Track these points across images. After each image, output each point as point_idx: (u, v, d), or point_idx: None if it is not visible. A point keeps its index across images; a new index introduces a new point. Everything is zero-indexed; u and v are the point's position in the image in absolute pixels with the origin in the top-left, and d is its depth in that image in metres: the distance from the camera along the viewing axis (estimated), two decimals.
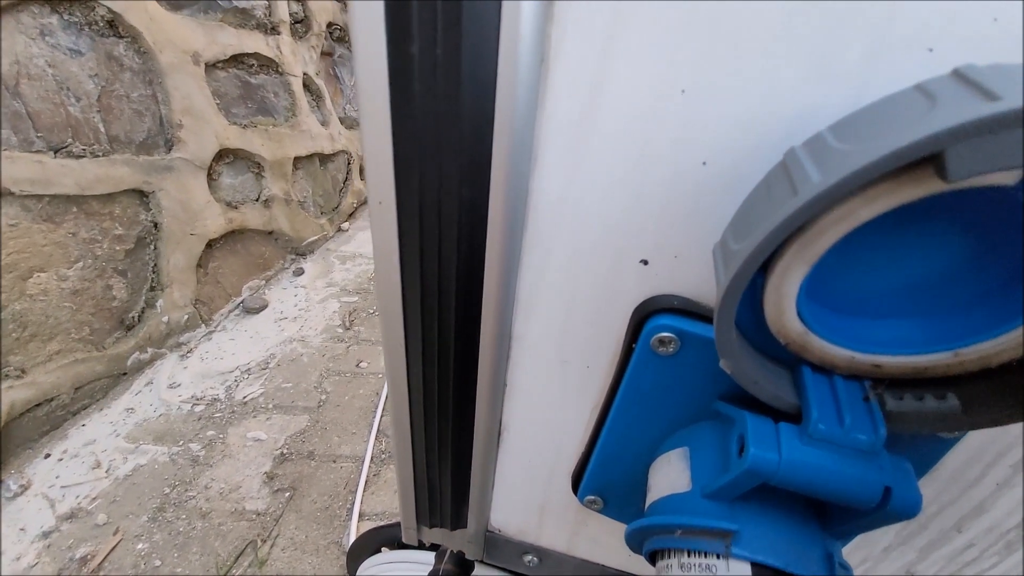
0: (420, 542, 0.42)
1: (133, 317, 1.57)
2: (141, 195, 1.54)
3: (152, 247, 1.60)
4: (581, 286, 0.24)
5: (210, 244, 1.80)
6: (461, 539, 0.39)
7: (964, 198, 0.14)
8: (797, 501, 0.20)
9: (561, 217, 0.22)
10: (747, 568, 0.18)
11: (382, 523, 0.60)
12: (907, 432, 0.18)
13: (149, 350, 1.62)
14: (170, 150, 1.60)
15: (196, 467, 1.32)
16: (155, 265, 1.61)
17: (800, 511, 0.19)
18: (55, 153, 1.30)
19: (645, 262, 0.22)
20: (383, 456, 1.38)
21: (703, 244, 0.21)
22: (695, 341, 0.22)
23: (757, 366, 0.19)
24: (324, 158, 2.53)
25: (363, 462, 1.34)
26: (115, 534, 1.15)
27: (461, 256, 0.23)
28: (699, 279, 0.22)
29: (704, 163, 0.19)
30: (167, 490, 1.26)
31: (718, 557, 0.18)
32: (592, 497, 0.30)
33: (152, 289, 1.62)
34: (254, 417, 1.49)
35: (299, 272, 2.30)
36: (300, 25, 2.30)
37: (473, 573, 0.43)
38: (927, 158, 0.12)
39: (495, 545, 0.40)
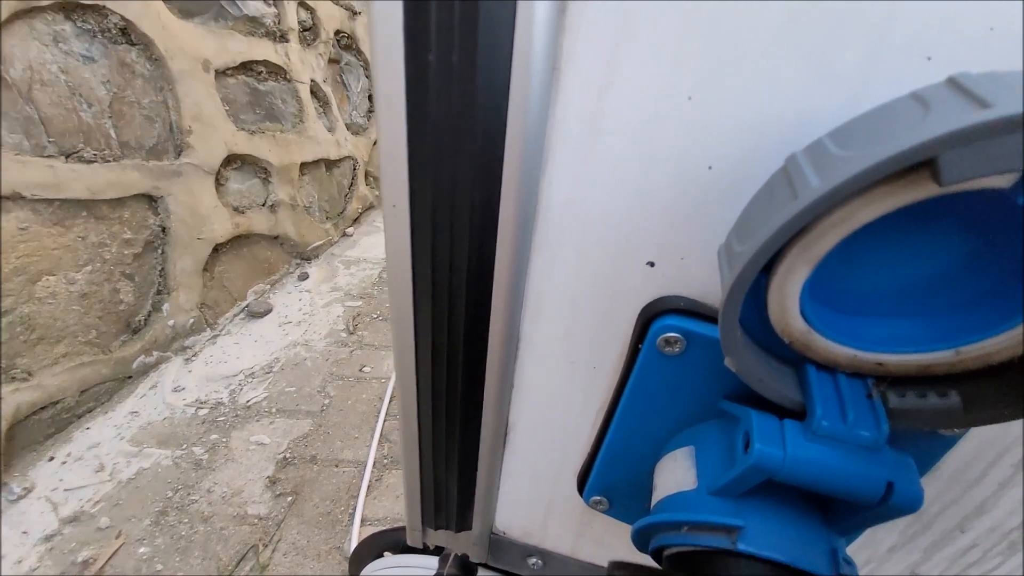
0: (424, 545, 0.42)
1: (139, 321, 1.58)
2: (150, 200, 1.55)
3: (160, 251, 1.61)
4: (588, 287, 0.24)
5: (216, 248, 1.82)
6: (465, 541, 0.39)
7: (962, 200, 0.14)
8: (801, 498, 0.20)
9: (569, 219, 0.23)
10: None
11: (385, 528, 0.60)
12: (909, 429, 0.18)
13: (154, 353, 1.63)
14: (179, 155, 1.62)
15: (199, 471, 1.32)
16: (162, 269, 1.63)
17: (804, 508, 0.20)
18: (66, 158, 1.31)
19: (651, 264, 0.23)
20: (385, 461, 1.38)
21: (708, 246, 0.21)
22: (701, 341, 0.22)
23: (762, 364, 0.19)
24: (330, 164, 2.55)
25: (365, 467, 1.34)
26: (117, 538, 1.15)
27: (472, 258, 0.24)
28: (704, 280, 0.22)
29: (710, 167, 0.20)
30: (170, 494, 1.26)
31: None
32: (598, 497, 0.31)
33: (159, 293, 1.63)
34: (257, 421, 1.49)
35: (304, 277, 2.31)
36: (308, 33, 2.33)
37: None
38: (922, 163, 0.12)
39: (499, 548, 0.40)
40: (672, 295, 0.23)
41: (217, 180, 1.78)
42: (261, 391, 1.61)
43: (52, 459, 1.33)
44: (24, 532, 1.15)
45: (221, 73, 1.77)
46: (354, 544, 0.90)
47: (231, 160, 1.85)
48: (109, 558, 1.11)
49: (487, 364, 0.27)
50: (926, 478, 0.25)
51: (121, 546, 1.13)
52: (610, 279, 0.24)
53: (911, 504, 0.17)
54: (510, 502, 0.36)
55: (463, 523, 0.38)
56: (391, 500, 1.27)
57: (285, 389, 1.63)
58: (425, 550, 0.48)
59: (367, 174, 2.99)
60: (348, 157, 2.72)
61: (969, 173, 0.12)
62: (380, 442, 1.43)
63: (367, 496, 1.27)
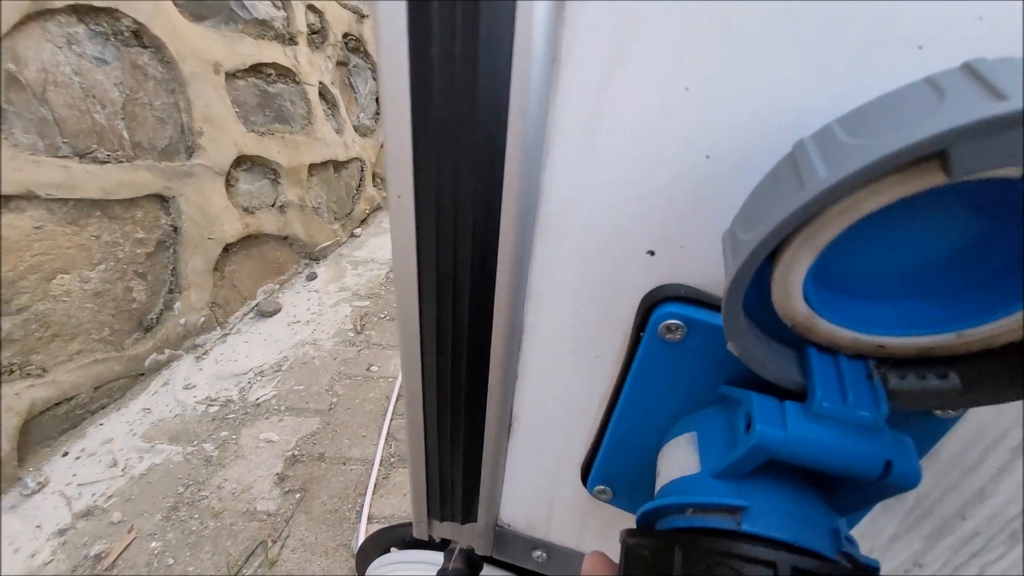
0: (431, 538, 0.43)
1: (152, 319, 1.61)
2: (162, 200, 1.58)
3: (171, 251, 1.64)
4: (590, 277, 0.25)
5: (227, 248, 1.84)
6: (471, 534, 0.40)
7: (969, 186, 0.14)
8: (803, 479, 0.20)
9: (570, 210, 0.23)
10: None
11: (392, 524, 0.61)
12: (909, 409, 0.18)
13: (166, 351, 1.65)
14: (190, 156, 1.65)
15: (209, 467, 1.34)
16: (174, 268, 1.65)
17: (806, 488, 0.20)
18: (80, 158, 1.34)
19: (652, 253, 0.23)
20: (392, 459, 1.39)
21: (707, 235, 0.22)
22: (701, 328, 0.22)
23: (764, 347, 0.19)
24: (338, 165, 2.58)
25: (372, 465, 1.35)
26: (129, 532, 1.17)
27: (475, 248, 0.24)
28: (704, 268, 0.23)
29: (708, 157, 0.20)
30: (181, 489, 1.28)
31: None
32: (601, 487, 0.31)
33: (170, 292, 1.65)
34: (266, 419, 1.51)
35: (312, 277, 2.33)
36: (317, 36, 2.36)
37: (482, 572, 0.43)
38: (933, 154, 0.12)
39: (504, 540, 0.40)
40: (673, 283, 0.23)
41: (227, 181, 1.81)
42: (270, 389, 1.63)
43: (66, 454, 1.35)
44: (38, 526, 1.17)
45: (231, 75, 1.80)
46: (361, 542, 0.91)
47: (241, 161, 1.88)
48: (121, 552, 1.12)
49: (491, 354, 0.28)
50: (925, 461, 0.25)
51: (133, 540, 1.15)
52: (611, 268, 0.24)
53: (909, 481, 0.17)
54: (515, 494, 0.37)
55: (468, 515, 0.38)
56: (398, 498, 1.27)
57: (294, 387, 1.64)
58: (431, 544, 0.49)
59: (374, 175, 3.01)
60: (356, 159, 2.75)
61: (981, 166, 0.12)
62: (387, 440, 1.44)
63: (374, 494, 1.28)
